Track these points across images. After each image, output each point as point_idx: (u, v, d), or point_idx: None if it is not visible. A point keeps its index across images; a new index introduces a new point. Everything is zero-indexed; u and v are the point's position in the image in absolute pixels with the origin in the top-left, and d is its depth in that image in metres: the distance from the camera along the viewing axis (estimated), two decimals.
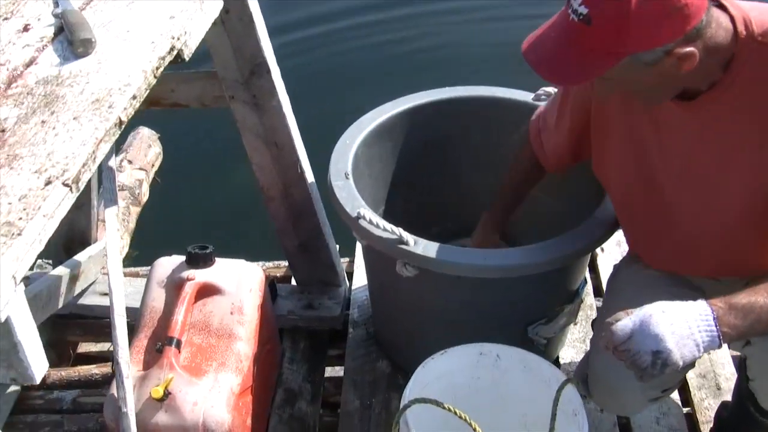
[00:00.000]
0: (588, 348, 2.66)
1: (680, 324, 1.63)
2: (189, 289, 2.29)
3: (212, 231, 3.88)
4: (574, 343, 2.73)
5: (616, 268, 2.27)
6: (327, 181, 2.38)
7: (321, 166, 2.55)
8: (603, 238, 2.20)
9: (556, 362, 2.68)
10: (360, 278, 2.94)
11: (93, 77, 1.36)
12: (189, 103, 2.53)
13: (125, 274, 3.09)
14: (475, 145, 2.75)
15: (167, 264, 2.42)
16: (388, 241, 2.16)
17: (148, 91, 1.35)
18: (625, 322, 1.66)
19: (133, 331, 2.32)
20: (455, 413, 1.83)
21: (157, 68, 1.38)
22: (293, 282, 2.93)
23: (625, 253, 2.73)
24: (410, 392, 2.00)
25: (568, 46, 1.63)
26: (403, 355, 2.65)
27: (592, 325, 2.62)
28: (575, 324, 2.66)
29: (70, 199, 1.15)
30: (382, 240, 2.17)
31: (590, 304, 2.85)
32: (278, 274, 3.09)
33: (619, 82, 1.71)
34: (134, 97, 1.30)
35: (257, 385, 2.37)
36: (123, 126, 1.27)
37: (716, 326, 1.63)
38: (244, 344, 2.31)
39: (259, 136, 2.49)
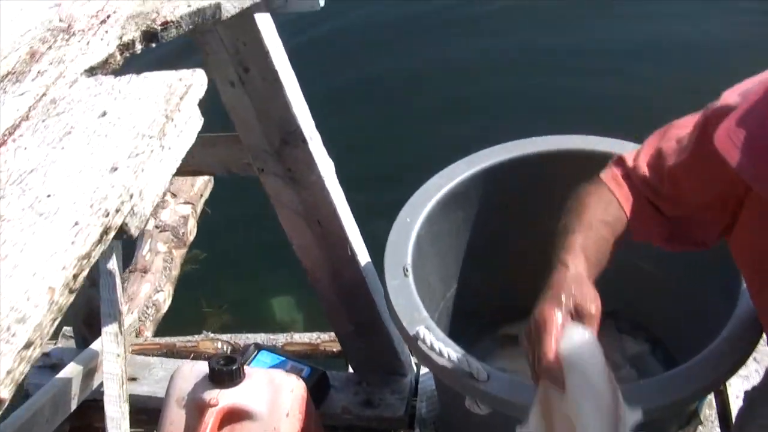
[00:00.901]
0: None
1: None
2: (210, 420, 1.84)
3: (263, 281, 3.43)
4: None
5: (751, 398, 1.74)
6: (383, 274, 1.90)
7: (377, 237, 2.08)
8: (738, 365, 1.67)
9: None
10: None
11: None
12: (213, 170, 2.11)
13: (159, 347, 2.69)
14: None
15: (188, 376, 1.97)
16: (454, 372, 1.68)
17: (56, 323, 0.88)
18: None
19: None
20: None
21: (76, 276, 0.90)
22: (349, 366, 2.46)
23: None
24: None
25: None
26: None
27: None
28: None
29: None
30: (445, 371, 1.69)
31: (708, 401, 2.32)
32: (335, 349, 2.62)
33: None
34: (28, 346, 0.83)
35: None
36: (4, 405, 0.81)
37: None
38: None
39: (298, 214, 2.02)
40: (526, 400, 1.60)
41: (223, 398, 1.88)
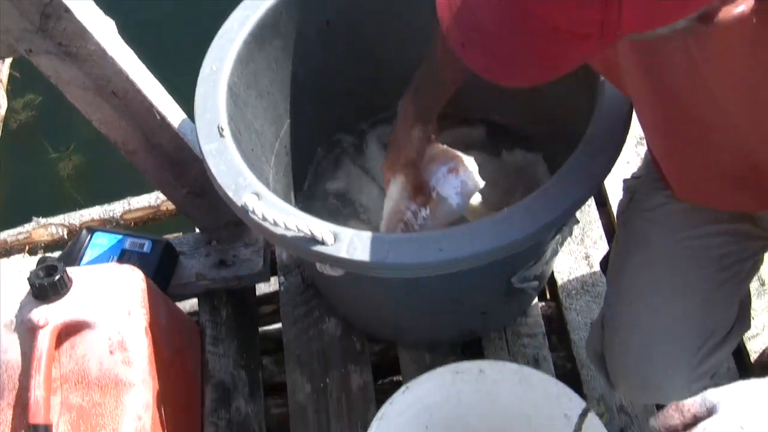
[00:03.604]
0: (587, 255, 2.06)
1: None
2: (43, 343, 1.64)
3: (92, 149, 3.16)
4: (570, 247, 2.11)
5: (632, 189, 1.63)
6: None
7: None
8: (596, 186, 1.52)
9: (551, 281, 2.08)
10: None
11: None
12: None
13: None
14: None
15: (10, 295, 1.75)
16: (295, 241, 1.49)
17: None
18: None
19: None
20: None
21: None
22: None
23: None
24: None
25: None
26: (352, 315, 2.04)
27: (601, 267, 1.99)
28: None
29: None
30: (285, 240, 1.51)
31: None
32: None
33: None
34: None
35: (173, 426, 1.79)
36: None
37: None
38: (139, 390, 1.69)
39: (87, 89, 1.75)
40: (382, 257, 1.46)
41: (52, 315, 1.68)
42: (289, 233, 1.49)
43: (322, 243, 1.47)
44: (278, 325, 2.13)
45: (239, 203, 1.54)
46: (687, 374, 1.47)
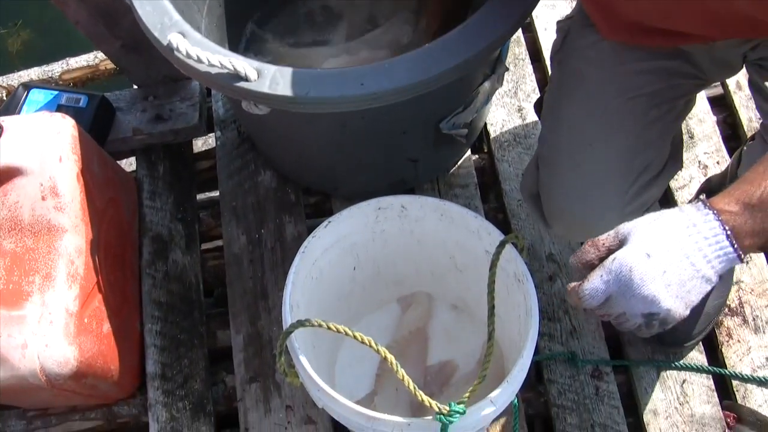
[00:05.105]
0: (520, 105, 2.08)
1: (678, 267, 1.03)
2: None
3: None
4: (503, 100, 2.13)
5: (565, 29, 1.64)
6: None
7: None
8: (516, 22, 1.54)
9: (484, 133, 2.10)
10: None
11: None
12: None
13: None
14: None
15: None
16: (219, 77, 1.51)
17: None
18: (595, 283, 1.05)
19: None
20: (355, 337, 1.29)
21: None
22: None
23: None
24: (290, 295, 1.46)
25: None
26: (286, 166, 2.06)
27: (535, 110, 2.01)
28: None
29: None
30: (209, 77, 1.52)
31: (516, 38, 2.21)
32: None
33: None
34: None
35: (107, 273, 1.82)
36: None
37: (733, 245, 1.03)
38: (72, 235, 1.71)
39: None
40: (304, 91, 1.47)
41: None
42: (213, 70, 1.50)
43: (246, 79, 1.49)
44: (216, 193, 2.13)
45: (164, 42, 1.54)
46: (619, 209, 1.50)
